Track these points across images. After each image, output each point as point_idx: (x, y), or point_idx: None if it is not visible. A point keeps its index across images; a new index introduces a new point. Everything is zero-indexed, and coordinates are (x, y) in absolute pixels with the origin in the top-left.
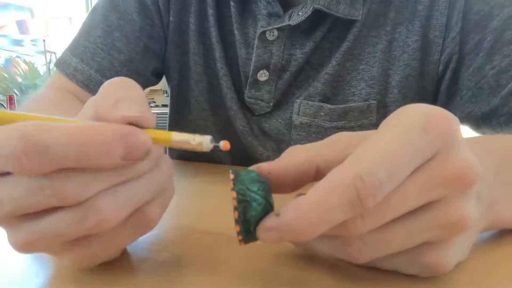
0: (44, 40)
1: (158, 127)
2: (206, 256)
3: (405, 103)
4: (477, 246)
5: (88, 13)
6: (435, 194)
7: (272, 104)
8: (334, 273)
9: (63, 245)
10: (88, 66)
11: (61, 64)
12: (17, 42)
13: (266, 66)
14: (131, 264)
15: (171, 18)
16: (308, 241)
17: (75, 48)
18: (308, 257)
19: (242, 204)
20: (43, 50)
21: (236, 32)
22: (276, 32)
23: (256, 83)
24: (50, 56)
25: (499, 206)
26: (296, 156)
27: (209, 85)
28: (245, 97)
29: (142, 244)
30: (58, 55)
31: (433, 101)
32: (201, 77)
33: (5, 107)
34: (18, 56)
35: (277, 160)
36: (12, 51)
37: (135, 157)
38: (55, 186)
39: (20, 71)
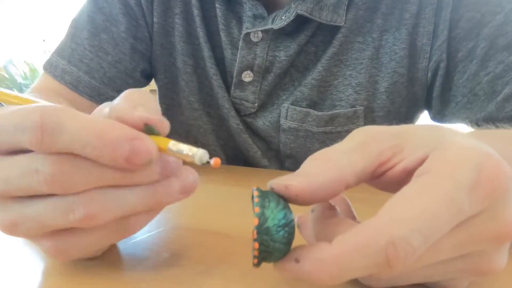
0: (44, 40)
1: None
2: (206, 256)
3: (394, 108)
4: None
5: (73, 16)
6: (472, 249)
7: (257, 104)
8: None
9: (45, 233)
10: (77, 68)
11: (48, 66)
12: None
13: (250, 67)
14: (131, 264)
15: (154, 20)
16: None
17: (63, 50)
18: None
19: (263, 254)
20: (43, 50)
21: (221, 33)
22: (260, 34)
23: (241, 83)
24: None
25: None
26: (324, 173)
27: (200, 85)
28: (231, 97)
29: (142, 244)
30: None
31: (426, 106)
32: (191, 77)
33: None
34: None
35: (303, 177)
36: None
37: (137, 162)
38: (51, 172)
39: (20, 71)
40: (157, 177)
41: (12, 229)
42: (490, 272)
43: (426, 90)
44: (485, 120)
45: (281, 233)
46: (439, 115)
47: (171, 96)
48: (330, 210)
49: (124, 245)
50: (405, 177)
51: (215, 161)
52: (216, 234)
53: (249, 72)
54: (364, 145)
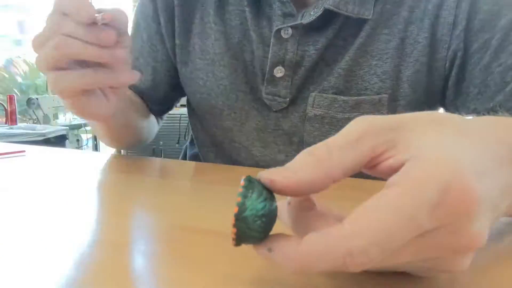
0: None
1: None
2: (206, 256)
3: (415, 97)
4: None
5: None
6: (431, 255)
7: (288, 99)
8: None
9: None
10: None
11: None
12: (17, 42)
13: (282, 62)
14: (131, 264)
15: (177, 42)
16: None
17: None
18: None
19: (240, 239)
20: None
21: (252, 34)
22: (290, 30)
23: (273, 79)
24: None
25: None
26: (312, 172)
27: (209, 97)
28: (263, 94)
29: (142, 244)
30: None
31: (442, 96)
32: (203, 89)
33: (5, 107)
34: (18, 56)
35: (291, 173)
36: (12, 51)
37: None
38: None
39: (20, 71)
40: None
41: (57, 85)
42: (453, 272)
43: (443, 80)
44: (490, 111)
45: (258, 223)
46: (452, 106)
47: (201, 103)
48: (307, 202)
49: (124, 245)
50: (392, 172)
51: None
52: (216, 234)
53: (280, 67)
54: (359, 140)
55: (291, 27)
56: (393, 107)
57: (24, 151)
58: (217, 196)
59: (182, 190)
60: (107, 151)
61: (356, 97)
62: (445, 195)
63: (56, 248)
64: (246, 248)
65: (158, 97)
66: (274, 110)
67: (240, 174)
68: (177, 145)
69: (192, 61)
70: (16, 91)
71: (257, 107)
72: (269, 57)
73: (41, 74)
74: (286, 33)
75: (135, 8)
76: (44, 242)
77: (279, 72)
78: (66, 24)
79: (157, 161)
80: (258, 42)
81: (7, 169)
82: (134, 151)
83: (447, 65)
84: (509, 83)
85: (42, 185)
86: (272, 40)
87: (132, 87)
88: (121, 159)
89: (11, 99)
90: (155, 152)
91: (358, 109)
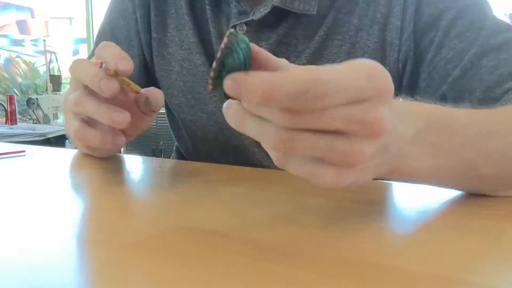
0: (44, 40)
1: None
2: (206, 256)
3: None
4: (478, 246)
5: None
6: (349, 127)
7: None
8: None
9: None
10: None
11: None
12: (17, 42)
13: None
14: (131, 264)
15: (153, 35)
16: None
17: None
18: (303, 256)
19: (227, 50)
20: (43, 50)
21: (212, 30)
22: (245, 27)
23: None
24: (50, 56)
25: (406, 159)
26: (283, 62)
27: (194, 83)
28: None
29: (142, 244)
30: (58, 55)
31: (397, 96)
32: (187, 78)
33: (5, 107)
34: (18, 56)
35: (265, 51)
36: (12, 51)
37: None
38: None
39: (20, 71)
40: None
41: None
42: (372, 124)
43: (398, 81)
44: (439, 100)
45: (245, 45)
46: None
47: (170, 101)
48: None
49: (124, 245)
50: None
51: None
52: (216, 234)
53: None
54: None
55: (245, 23)
56: None
57: (24, 151)
58: (217, 196)
59: (182, 190)
60: None
61: None
62: (375, 71)
63: (56, 248)
64: (246, 248)
65: None
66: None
67: (241, 174)
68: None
69: (170, 53)
70: (16, 91)
71: None
72: None
73: (41, 74)
74: (241, 30)
75: (110, 7)
76: (44, 242)
77: None
78: (88, 103)
79: (157, 161)
80: (217, 37)
81: (7, 169)
82: (134, 151)
83: (400, 66)
84: (450, 74)
85: (42, 185)
86: None
87: None
88: (121, 159)
89: (11, 99)
90: (155, 152)
91: None
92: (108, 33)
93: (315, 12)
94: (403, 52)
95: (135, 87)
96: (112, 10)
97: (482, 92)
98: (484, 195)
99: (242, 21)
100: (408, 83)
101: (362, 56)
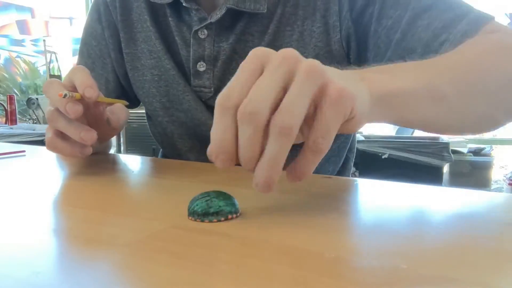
0: (44, 40)
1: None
2: (206, 256)
3: None
4: (480, 245)
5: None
6: (281, 71)
7: (212, 89)
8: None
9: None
10: None
11: None
12: (18, 42)
13: (202, 58)
14: (131, 264)
15: (125, 50)
16: None
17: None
18: (304, 257)
19: None
20: (43, 50)
21: (176, 38)
22: (206, 31)
23: (197, 73)
24: (50, 56)
25: (368, 77)
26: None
27: (166, 87)
28: (191, 87)
29: (142, 244)
30: (58, 55)
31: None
32: (159, 83)
33: (5, 107)
34: (18, 56)
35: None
36: (12, 51)
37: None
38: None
39: (20, 71)
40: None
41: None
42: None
43: (347, 57)
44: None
45: None
46: None
47: (147, 108)
48: None
49: (124, 245)
50: None
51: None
52: (216, 234)
53: (202, 62)
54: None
55: (205, 27)
56: None
57: (24, 151)
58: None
59: (182, 190)
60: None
61: None
62: (280, 52)
63: (56, 247)
64: (246, 248)
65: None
66: (202, 99)
67: (241, 174)
68: None
69: (142, 64)
70: (16, 91)
71: (192, 96)
72: (191, 55)
73: (41, 74)
74: (202, 34)
75: (84, 29)
76: (45, 242)
77: (201, 66)
78: (60, 120)
79: (157, 161)
80: (182, 44)
81: (7, 169)
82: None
83: (344, 44)
84: (392, 40)
85: (42, 185)
86: (192, 41)
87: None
88: (121, 159)
89: (11, 99)
90: (155, 152)
91: None
92: (85, 53)
93: (265, 11)
94: (343, 31)
95: (106, 99)
96: (86, 32)
97: (422, 48)
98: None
99: (202, 25)
100: (356, 58)
101: (310, 41)
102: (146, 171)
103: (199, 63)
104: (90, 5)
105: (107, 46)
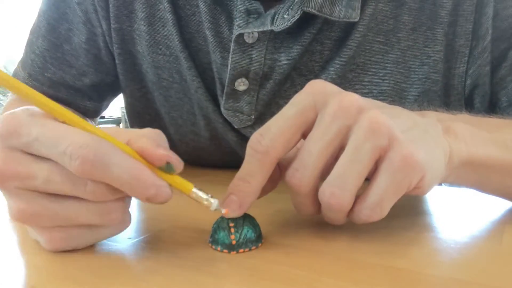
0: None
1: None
2: (206, 256)
3: None
4: (480, 245)
5: (33, 21)
6: (336, 127)
7: (253, 117)
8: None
9: (58, 226)
10: (39, 83)
11: (15, 77)
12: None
13: (245, 74)
14: (131, 264)
15: (112, 25)
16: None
17: (24, 61)
18: (305, 255)
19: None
20: None
21: (207, 32)
22: (256, 34)
23: (234, 93)
24: None
25: (455, 131)
26: (260, 176)
27: (180, 101)
28: (222, 109)
29: (142, 244)
30: None
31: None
32: (168, 92)
33: None
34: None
35: (244, 188)
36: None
37: (156, 202)
38: (98, 188)
39: None
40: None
41: (31, 218)
42: (375, 126)
43: (464, 101)
44: None
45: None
46: None
47: (148, 112)
48: None
49: (124, 245)
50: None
51: (226, 211)
52: None
53: (243, 79)
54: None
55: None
56: None
57: None
58: (217, 196)
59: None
60: None
61: None
62: (306, 85)
63: None
64: (249, 252)
65: (100, 88)
66: (235, 127)
67: None
68: None
69: (138, 51)
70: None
71: (219, 123)
72: (229, 67)
73: None
74: (250, 37)
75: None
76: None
77: (241, 85)
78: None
79: None
80: (214, 45)
81: None
82: None
83: (468, 82)
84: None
85: None
86: (232, 46)
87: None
88: None
89: None
90: None
91: None
92: (59, 23)
93: (357, 19)
94: (477, 65)
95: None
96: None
97: None
98: None
99: (255, 30)
100: (480, 104)
101: (419, 68)
102: None
103: (239, 80)
104: None
105: (94, 14)
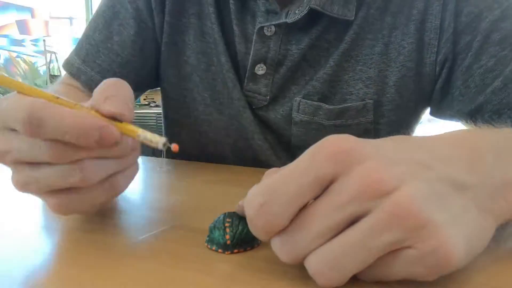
0: (44, 40)
1: (158, 126)
2: (206, 256)
3: (402, 102)
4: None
5: (92, 16)
6: (351, 209)
7: (269, 97)
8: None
9: (50, 192)
10: (90, 68)
11: (66, 65)
12: (18, 42)
13: (264, 60)
14: (131, 264)
15: (166, 18)
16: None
17: (79, 49)
18: None
19: None
20: (43, 50)
21: (235, 27)
22: (273, 28)
23: (254, 76)
24: (50, 56)
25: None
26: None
27: (213, 81)
28: (244, 90)
29: (142, 244)
30: (59, 55)
31: (429, 100)
32: (205, 73)
33: None
34: (18, 56)
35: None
36: (12, 51)
37: (106, 144)
38: (51, 148)
39: (20, 71)
40: (129, 151)
41: (25, 187)
42: (405, 213)
43: (434, 84)
44: (474, 112)
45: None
46: (436, 108)
47: (183, 94)
48: None
49: (125, 245)
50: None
51: (174, 146)
52: None
53: (262, 65)
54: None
55: (275, 25)
56: (379, 113)
57: None
58: (217, 196)
59: (182, 190)
60: None
61: (340, 106)
62: (318, 145)
63: (53, 246)
64: (249, 253)
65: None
66: (253, 107)
67: (241, 174)
68: None
69: (184, 41)
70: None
71: (240, 101)
72: (251, 54)
73: (41, 74)
74: (269, 31)
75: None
76: (43, 242)
77: (260, 69)
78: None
79: (157, 160)
80: (240, 37)
81: (7, 168)
82: None
83: (437, 69)
84: (489, 85)
85: None
86: (254, 37)
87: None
88: None
89: None
90: (155, 152)
91: (343, 116)
92: (113, 20)
93: (353, 17)
94: (442, 54)
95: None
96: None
97: None
98: None
99: (272, 23)
100: (440, 89)
101: (397, 57)
102: (145, 171)
103: (258, 65)
104: (90, 5)
105: (147, 11)
